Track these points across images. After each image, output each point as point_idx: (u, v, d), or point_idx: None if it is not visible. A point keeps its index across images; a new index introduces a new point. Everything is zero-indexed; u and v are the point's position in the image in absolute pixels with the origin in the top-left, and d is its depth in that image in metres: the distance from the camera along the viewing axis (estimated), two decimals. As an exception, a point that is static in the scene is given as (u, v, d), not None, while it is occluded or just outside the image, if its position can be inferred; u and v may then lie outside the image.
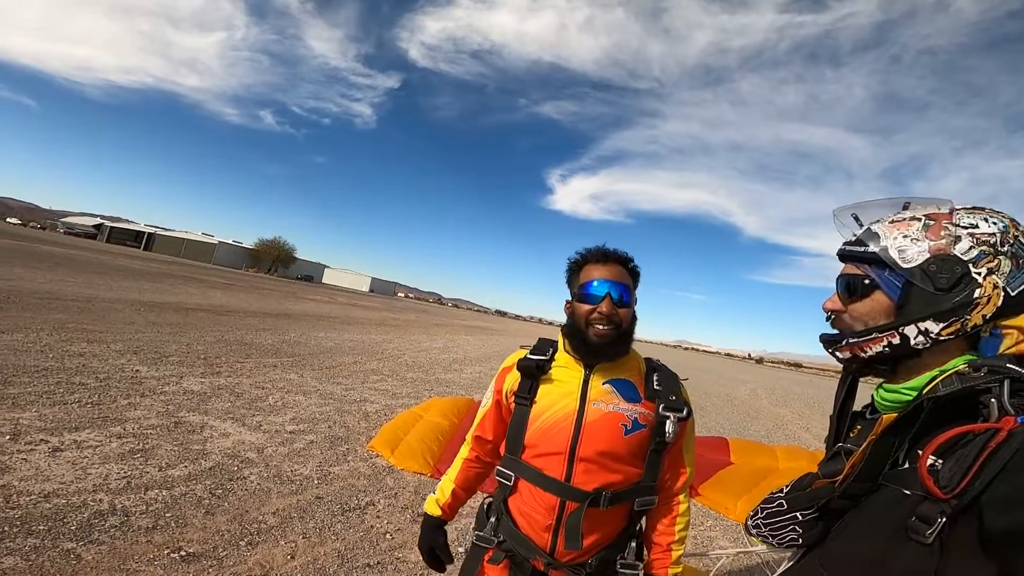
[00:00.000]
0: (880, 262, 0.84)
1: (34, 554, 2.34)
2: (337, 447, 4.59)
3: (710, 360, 70.15)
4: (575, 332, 1.31)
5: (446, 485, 1.50)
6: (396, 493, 3.79)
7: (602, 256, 1.34)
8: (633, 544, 1.35)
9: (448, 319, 41.58)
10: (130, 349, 6.94)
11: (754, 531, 1.01)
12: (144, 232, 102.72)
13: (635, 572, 1.31)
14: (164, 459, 3.64)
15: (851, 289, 0.88)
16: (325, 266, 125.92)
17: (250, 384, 6.32)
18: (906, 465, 0.76)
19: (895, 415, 0.78)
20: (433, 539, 1.48)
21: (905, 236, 0.83)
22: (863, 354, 0.86)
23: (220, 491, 3.29)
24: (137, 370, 5.94)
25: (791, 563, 0.96)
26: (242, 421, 4.82)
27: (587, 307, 1.28)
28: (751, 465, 2.91)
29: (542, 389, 1.32)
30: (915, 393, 0.80)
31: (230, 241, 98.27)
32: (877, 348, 0.84)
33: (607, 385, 1.30)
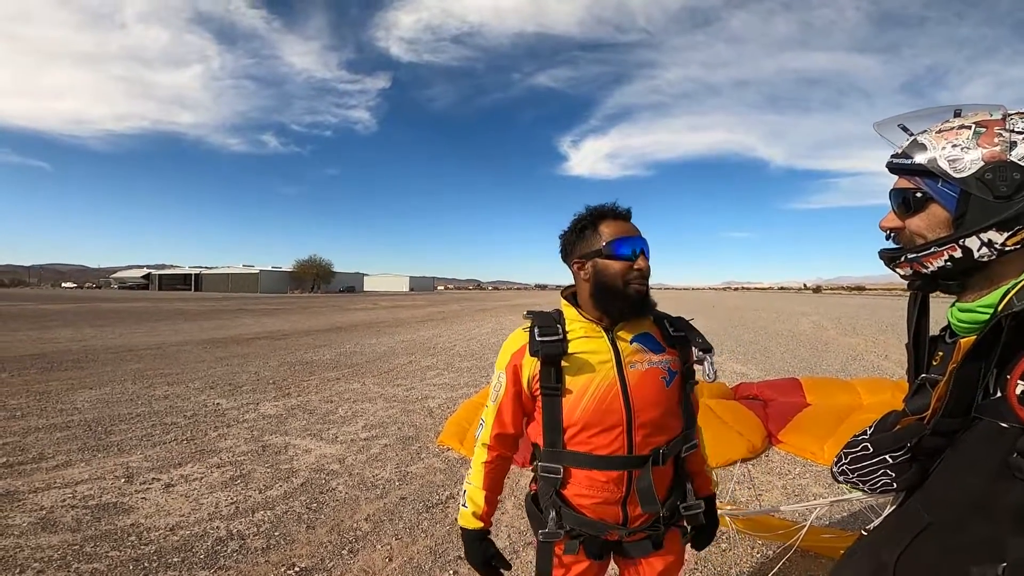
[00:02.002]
0: (930, 174, 0.80)
1: (173, 585, 2.57)
2: (410, 447, 4.76)
3: (764, 297, 67.89)
4: (608, 292, 1.26)
5: (476, 494, 1.38)
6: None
7: (625, 213, 1.32)
8: (689, 486, 1.37)
9: (491, 303, 41.99)
10: (207, 385, 7.40)
11: (841, 478, 0.97)
12: (191, 274, 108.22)
13: (699, 510, 1.35)
14: (261, 482, 3.89)
15: (905, 204, 0.85)
16: (364, 275, 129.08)
17: (319, 400, 6.61)
18: (998, 394, 0.71)
19: (974, 338, 0.74)
20: (485, 551, 1.38)
21: (955, 145, 0.78)
22: (924, 269, 0.83)
23: (315, 505, 3.49)
24: (218, 403, 6.34)
25: (892, 508, 0.92)
26: (319, 436, 5.07)
27: (621, 265, 1.25)
28: (831, 403, 2.82)
29: (570, 370, 1.25)
30: (992, 311, 0.75)
31: (270, 268, 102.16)
32: (939, 263, 0.81)
33: (635, 343, 1.28)
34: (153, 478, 3.92)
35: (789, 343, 12.96)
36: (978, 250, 0.77)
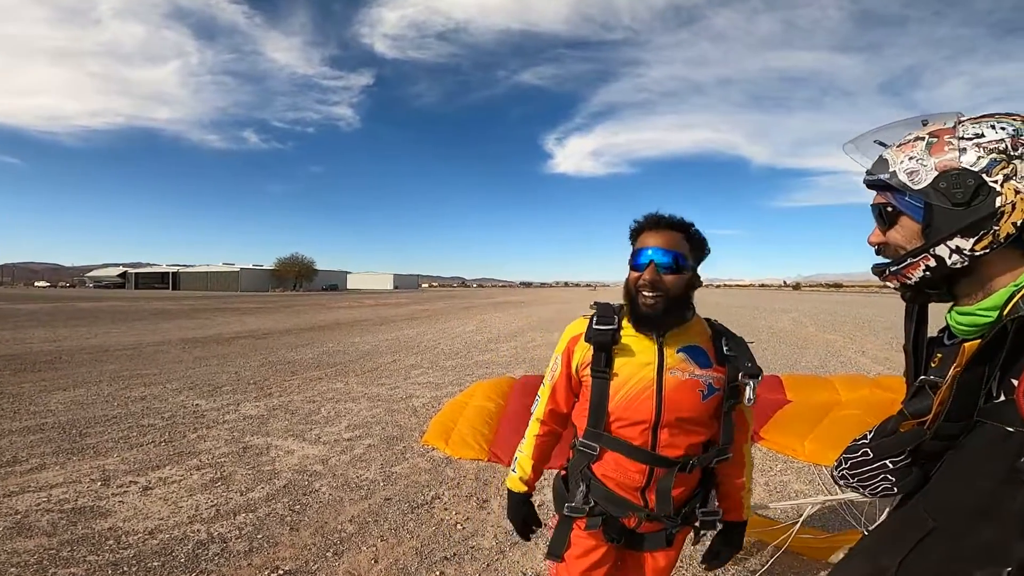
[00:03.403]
0: (897, 188, 0.83)
1: (153, 590, 2.53)
2: (394, 447, 4.73)
3: (745, 294, 68.84)
4: (628, 301, 1.33)
5: (525, 462, 1.51)
6: (458, 483, 3.90)
7: (654, 223, 1.33)
8: (713, 492, 1.42)
9: (475, 300, 41.90)
10: (185, 386, 7.26)
11: (842, 482, 0.97)
12: (168, 272, 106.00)
13: (716, 517, 1.40)
14: (242, 484, 3.83)
15: (882, 218, 0.88)
16: (347, 272, 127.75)
17: (301, 400, 6.54)
18: (1002, 397, 0.71)
19: (978, 341, 0.73)
20: (526, 512, 1.53)
21: (911, 158, 0.81)
22: (908, 280, 0.85)
23: (298, 506, 3.46)
24: (197, 404, 6.23)
25: (890, 510, 0.93)
26: (302, 436, 5.01)
27: (635, 274, 1.30)
28: (811, 401, 2.87)
29: (618, 360, 1.33)
30: (994, 314, 0.75)
31: (251, 266, 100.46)
32: (918, 273, 0.83)
33: (681, 353, 1.32)
34: (130, 481, 3.84)
35: (770, 340, 13.18)
36: (949, 258, 0.78)
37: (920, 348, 0.93)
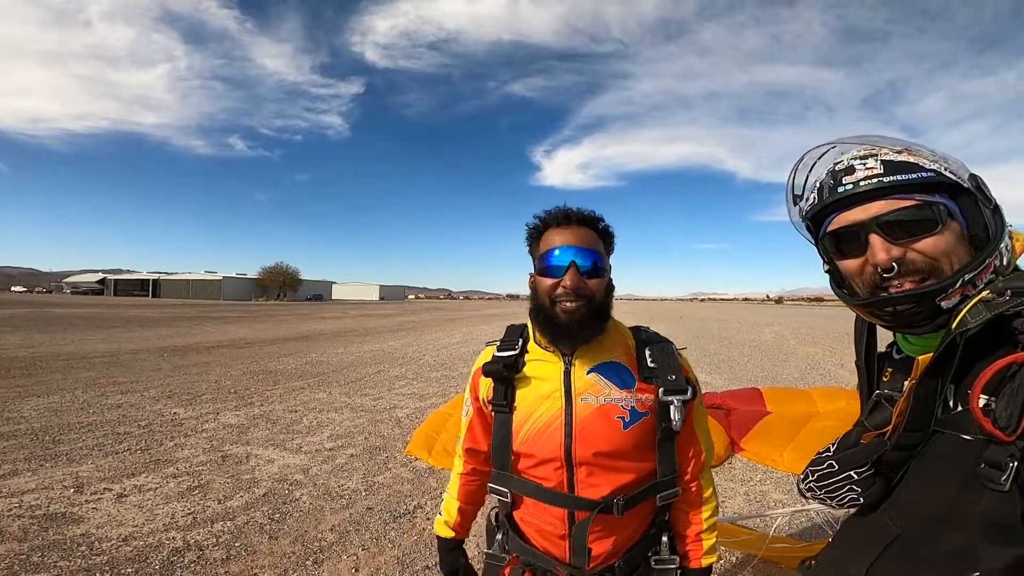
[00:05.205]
0: (939, 187, 0.74)
1: (123, 599, 2.47)
2: (377, 457, 4.70)
3: (729, 308, 69.59)
4: (540, 311, 1.12)
5: (450, 504, 1.35)
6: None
7: (563, 218, 1.13)
8: (665, 538, 1.20)
9: (462, 313, 41.77)
10: (164, 394, 7.12)
11: (809, 495, 0.96)
12: (148, 280, 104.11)
13: (671, 566, 1.19)
14: (220, 492, 3.77)
15: (918, 224, 0.74)
16: (332, 282, 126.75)
17: (283, 409, 6.45)
18: (959, 408, 0.72)
19: (930, 355, 0.73)
20: (453, 561, 1.35)
21: (939, 159, 0.75)
22: (974, 289, 0.73)
23: (278, 515, 3.41)
24: (175, 412, 6.11)
25: (850, 519, 0.92)
26: (283, 446, 4.95)
27: (550, 281, 1.09)
28: (790, 413, 2.94)
29: (520, 391, 1.16)
30: (943, 329, 0.74)
31: (234, 275, 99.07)
32: (987, 276, 0.74)
33: (592, 374, 1.12)
34: (104, 488, 3.76)
35: (752, 353, 13.33)
36: (1004, 259, 0.75)
37: (872, 363, 0.93)
